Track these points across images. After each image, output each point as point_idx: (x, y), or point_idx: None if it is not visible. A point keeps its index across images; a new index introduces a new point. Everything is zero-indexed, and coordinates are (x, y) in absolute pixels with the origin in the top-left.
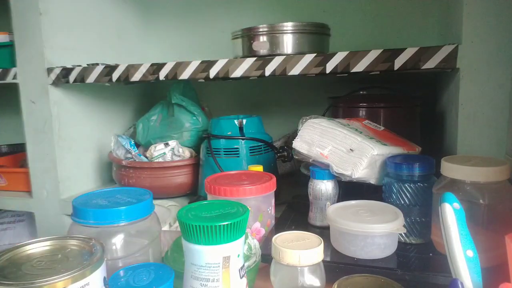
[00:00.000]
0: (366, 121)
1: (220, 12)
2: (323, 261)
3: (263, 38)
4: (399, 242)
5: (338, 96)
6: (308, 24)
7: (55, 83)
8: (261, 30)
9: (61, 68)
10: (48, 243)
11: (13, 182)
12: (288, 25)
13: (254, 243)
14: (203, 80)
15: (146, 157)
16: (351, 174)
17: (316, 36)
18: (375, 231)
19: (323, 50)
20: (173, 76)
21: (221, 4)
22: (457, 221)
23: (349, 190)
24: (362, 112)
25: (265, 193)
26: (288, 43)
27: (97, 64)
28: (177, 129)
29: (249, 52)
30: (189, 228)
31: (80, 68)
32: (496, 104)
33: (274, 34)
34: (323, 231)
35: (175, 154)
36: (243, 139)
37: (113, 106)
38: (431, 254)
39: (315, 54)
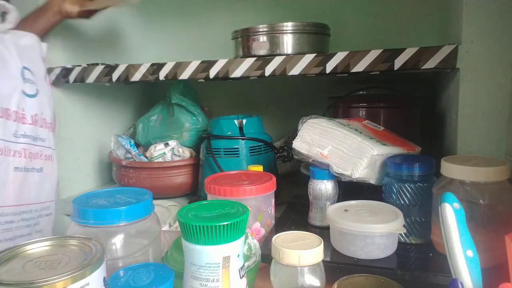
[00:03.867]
0: (366, 121)
1: (220, 12)
2: (323, 261)
3: (263, 38)
4: (399, 242)
5: (338, 96)
6: (308, 24)
7: (55, 83)
8: (261, 30)
9: (61, 68)
10: (48, 243)
11: None
12: (288, 25)
13: (254, 243)
14: (203, 80)
15: (146, 157)
16: (351, 174)
17: (316, 36)
18: (375, 231)
19: (323, 50)
20: (173, 76)
21: (221, 4)
22: (457, 221)
23: (349, 190)
24: (362, 112)
25: (265, 193)
26: (288, 43)
27: (97, 64)
28: (177, 129)
29: (249, 52)
30: (189, 228)
31: (80, 68)
32: (496, 104)
33: (274, 34)
34: (323, 231)
35: (175, 154)
36: (243, 139)
37: (113, 106)
38: (431, 254)
39: (315, 54)
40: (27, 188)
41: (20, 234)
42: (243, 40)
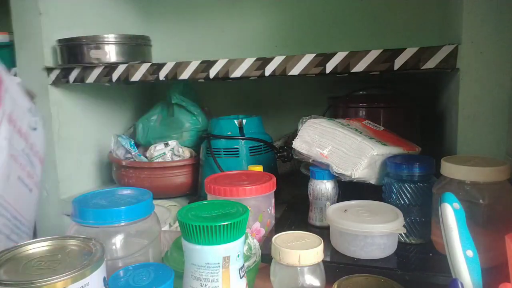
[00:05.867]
0: (366, 121)
1: (220, 12)
2: (323, 261)
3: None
4: (399, 242)
5: (338, 96)
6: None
7: (55, 83)
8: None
9: (61, 68)
10: (48, 243)
11: None
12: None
13: (254, 243)
14: (203, 80)
15: (146, 157)
16: (351, 174)
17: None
18: (375, 231)
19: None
20: (173, 76)
21: (221, 4)
22: (457, 221)
23: (349, 190)
24: (362, 112)
25: (265, 193)
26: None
27: (97, 64)
28: (177, 129)
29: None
30: (189, 228)
31: (80, 68)
32: (496, 104)
33: (98, 44)
34: (323, 231)
35: (175, 154)
36: (243, 139)
37: (113, 106)
38: (431, 254)
39: (315, 54)
40: (21, 200)
41: (10, 238)
42: (66, 47)
